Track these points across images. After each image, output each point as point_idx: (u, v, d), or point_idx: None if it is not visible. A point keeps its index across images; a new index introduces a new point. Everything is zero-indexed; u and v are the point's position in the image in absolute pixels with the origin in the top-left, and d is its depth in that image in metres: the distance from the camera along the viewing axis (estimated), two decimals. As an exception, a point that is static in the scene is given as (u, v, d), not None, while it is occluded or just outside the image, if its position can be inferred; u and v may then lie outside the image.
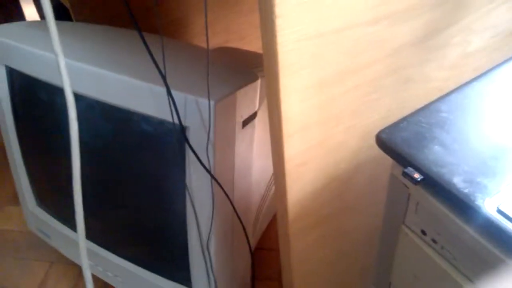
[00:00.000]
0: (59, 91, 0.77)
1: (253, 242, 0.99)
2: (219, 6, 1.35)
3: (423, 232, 0.50)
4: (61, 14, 1.18)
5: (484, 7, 0.62)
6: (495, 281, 0.43)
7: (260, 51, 0.49)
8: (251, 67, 0.97)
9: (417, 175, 0.45)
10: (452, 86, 0.56)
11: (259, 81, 0.71)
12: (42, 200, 0.98)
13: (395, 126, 0.51)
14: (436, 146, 0.48)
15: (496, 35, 0.68)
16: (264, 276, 1.07)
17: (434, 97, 0.54)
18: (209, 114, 0.63)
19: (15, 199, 1.31)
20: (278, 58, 0.47)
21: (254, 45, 1.49)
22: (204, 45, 1.37)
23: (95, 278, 0.94)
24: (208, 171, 0.66)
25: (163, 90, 0.63)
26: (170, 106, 0.63)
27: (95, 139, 0.77)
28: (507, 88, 0.54)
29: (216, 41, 1.40)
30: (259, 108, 0.74)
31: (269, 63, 0.48)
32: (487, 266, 0.43)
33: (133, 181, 0.78)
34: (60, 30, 0.46)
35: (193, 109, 0.63)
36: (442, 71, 0.65)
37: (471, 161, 0.46)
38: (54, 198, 0.96)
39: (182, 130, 0.65)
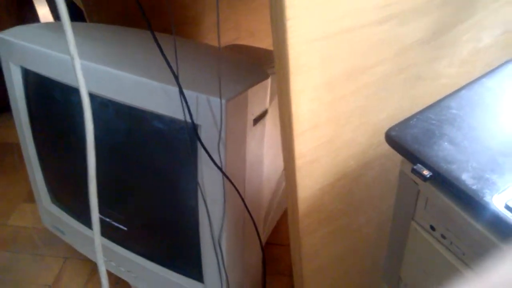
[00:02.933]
0: (73, 90, 0.78)
1: (264, 238, 0.99)
2: (229, 3, 1.35)
3: (432, 228, 0.51)
4: (74, 14, 1.19)
5: (493, 4, 0.62)
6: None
7: (270, 47, 0.50)
8: (262, 64, 0.97)
9: (426, 172, 0.46)
10: (462, 83, 0.56)
11: (269, 79, 0.71)
12: (57, 197, 1.00)
13: (404, 123, 0.51)
14: (446, 143, 0.48)
15: (506, 32, 0.68)
16: (275, 271, 1.07)
17: (444, 94, 0.55)
18: (221, 113, 0.64)
19: (30, 196, 1.33)
20: (289, 60, 0.47)
21: (264, 41, 1.49)
22: (216, 42, 1.38)
23: (108, 273, 0.94)
24: (220, 169, 0.67)
25: (175, 89, 0.64)
26: (182, 105, 0.64)
27: (109, 138, 0.78)
28: (516, 85, 0.55)
29: (227, 39, 1.41)
30: (269, 106, 0.74)
31: (280, 64, 0.49)
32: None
33: (146, 179, 0.79)
34: (73, 31, 0.47)
35: (205, 108, 0.64)
36: (452, 68, 0.65)
37: (480, 157, 0.46)
38: (69, 195, 0.97)
39: (194, 128, 0.66)
